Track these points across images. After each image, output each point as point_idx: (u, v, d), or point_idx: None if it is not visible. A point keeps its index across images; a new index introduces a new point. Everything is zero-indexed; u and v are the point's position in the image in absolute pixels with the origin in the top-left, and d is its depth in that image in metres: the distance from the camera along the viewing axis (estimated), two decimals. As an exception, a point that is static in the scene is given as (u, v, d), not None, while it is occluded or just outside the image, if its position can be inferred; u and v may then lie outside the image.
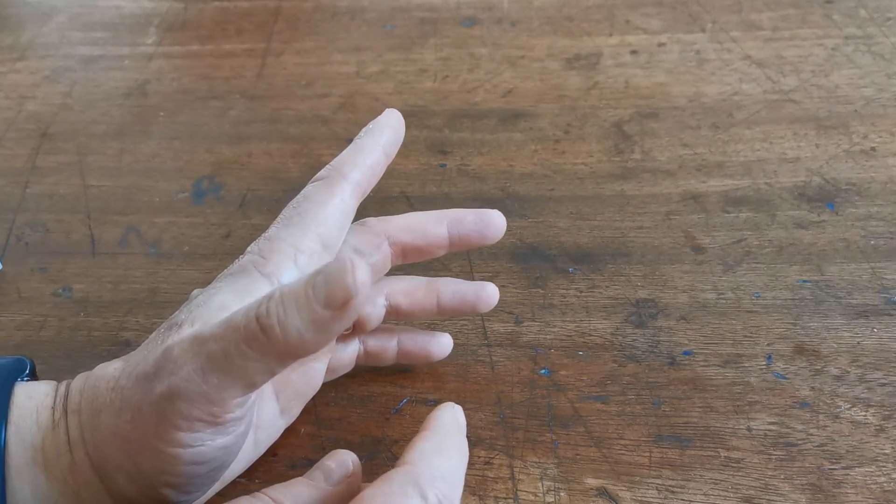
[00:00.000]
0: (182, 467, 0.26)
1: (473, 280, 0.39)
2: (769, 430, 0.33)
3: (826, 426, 0.33)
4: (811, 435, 0.33)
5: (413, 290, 0.34)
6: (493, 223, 0.33)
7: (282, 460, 0.33)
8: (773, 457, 0.32)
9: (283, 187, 0.46)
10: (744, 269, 0.40)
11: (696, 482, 0.32)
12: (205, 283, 0.30)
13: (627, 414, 0.34)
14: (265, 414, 0.31)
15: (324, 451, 0.26)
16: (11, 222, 0.45)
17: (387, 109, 0.32)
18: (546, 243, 0.42)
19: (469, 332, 0.38)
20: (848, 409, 0.34)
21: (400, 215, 0.33)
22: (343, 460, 0.26)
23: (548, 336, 0.38)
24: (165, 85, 0.54)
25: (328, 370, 0.33)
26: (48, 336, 0.39)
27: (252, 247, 0.30)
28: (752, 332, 0.37)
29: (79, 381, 0.29)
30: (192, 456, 0.26)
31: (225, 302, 0.27)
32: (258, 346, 0.23)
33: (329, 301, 0.22)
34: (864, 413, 0.34)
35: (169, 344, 0.26)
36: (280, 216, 0.30)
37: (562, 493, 0.32)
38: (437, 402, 0.35)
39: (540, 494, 0.32)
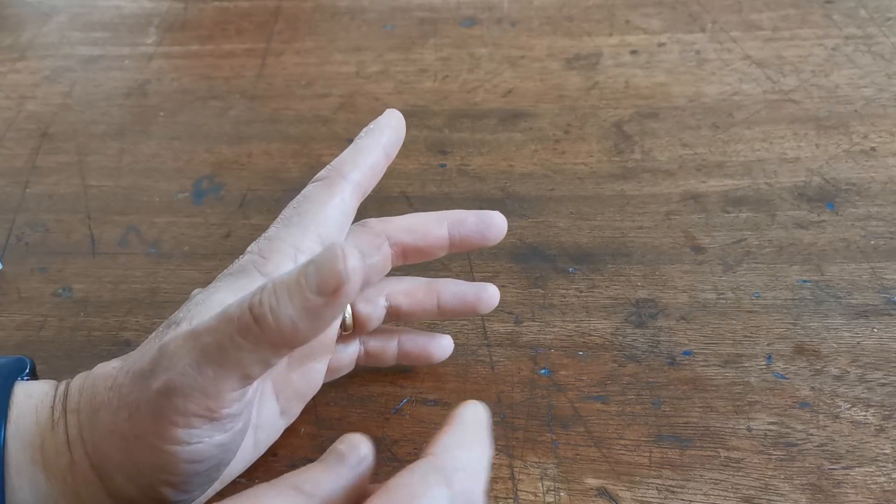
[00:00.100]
0: (180, 465, 0.26)
1: (474, 280, 0.39)
2: (769, 430, 0.33)
3: (826, 426, 0.33)
4: (811, 435, 0.33)
5: (413, 291, 0.34)
6: (494, 225, 0.33)
7: (282, 460, 0.33)
8: (773, 457, 0.32)
9: (283, 187, 0.46)
10: (744, 269, 0.40)
11: (696, 482, 0.32)
12: (205, 283, 0.30)
13: (627, 414, 0.34)
14: (265, 414, 0.31)
15: (324, 451, 0.26)
16: (11, 222, 0.45)
17: (387, 110, 0.32)
18: (546, 243, 0.42)
19: (469, 332, 0.38)
20: (848, 409, 0.34)
21: (400, 216, 0.33)
22: (354, 443, 0.26)
23: (548, 336, 0.38)
24: (165, 85, 0.54)
25: (328, 371, 0.33)
26: (48, 336, 0.39)
27: (252, 247, 0.30)
28: (752, 332, 0.37)
29: (78, 380, 0.29)
30: (189, 454, 0.26)
31: (224, 301, 0.27)
32: (252, 337, 0.24)
33: (321, 288, 0.23)
34: (864, 413, 0.34)
35: (165, 341, 0.26)
36: (280, 216, 0.30)
37: (562, 493, 0.32)
38: (437, 403, 0.35)
39: (540, 494, 0.32)
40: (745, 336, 0.37)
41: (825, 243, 0.41)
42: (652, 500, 0.31)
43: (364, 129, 0.32)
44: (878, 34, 0.54)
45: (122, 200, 0.46)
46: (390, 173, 0.45)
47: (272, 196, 0.46)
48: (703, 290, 0.39)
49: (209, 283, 0.29)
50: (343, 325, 0.33)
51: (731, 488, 0.32)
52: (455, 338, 0.36)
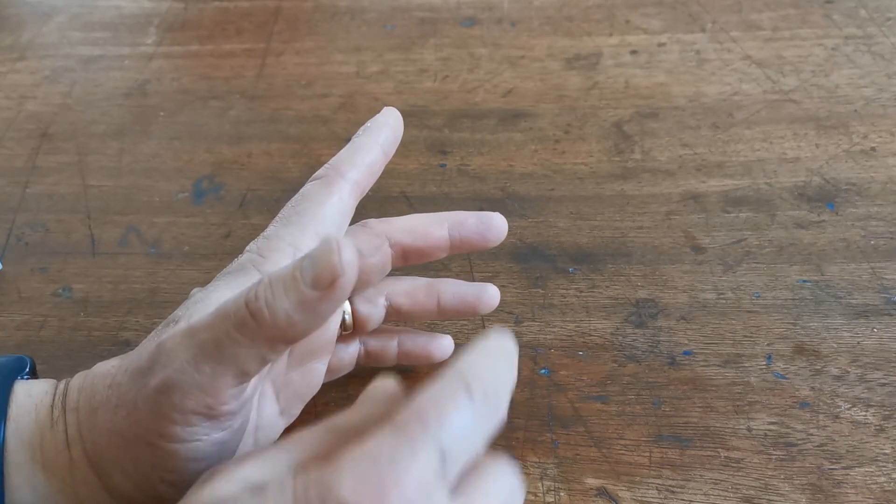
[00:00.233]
0: (179, 463, 0.26)
1: (474, 280, 0.39)
2: (769, 430, 0.33)
3: (826, 426, 0.33)
4: (811, 435, 0.33)
5: (413, 291, 0.34)
6: (494, 226, 0.33)
7: (281, 460, 0.33)
8: (773, 457, 0.32)
9: (283, 187, 0.46)
10: (744, 269, 0.40)
11: (696, 482, 0.32)
12: (205, 282, 0.30)
13: (627, 414, 0.34)
14: (265, 414, 0.31)
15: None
16: (11, 222, 0.45)
17: (385, 108, 0.32)
18: (546, 243, 0.42)
19: (469, 332, 0.38)
20: (848, 409, 0.34)
21: (401, 217, 0.33)
22: (387, 384, 0.26)
23: (548, 336, 0.37)
24: (165, 85, 0.54)
25: (328, 370, 0.33)
26: (48, 336, 0.39)
27: (251, 245, 0.30)
28: (752, 332, 0.37)
29: (78, 379, 0.29)
30: (188, 451, 0.26)
31: (222, 299, 0.27)
32: (248, 332, 0.24)
33: (316, 281, 0.23)
34: (864, 413, 0.34)
35: (163, 338, 0.26)
36: (279, 215, 0.30)
37: (562, 493, 0.32)
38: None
39: (540, 494, 0.32)
40: (745, 336, 0.37)
41: (825, 243, 0.41)
42: (652, 500, 0.31)
43: (362, 128, 0.32)
44: (878, 34, 0.54)
45: (122, 200, 0.46)
46: (390, 173, 0.45)
47: (272, 196, 0.46)
48: (703, 290, 0.39)
49: (209, 282, 0.29)
50: (343, 325, 0.33)
51: (731, 488, 0.32)
52: (455, 338, 0.36)
